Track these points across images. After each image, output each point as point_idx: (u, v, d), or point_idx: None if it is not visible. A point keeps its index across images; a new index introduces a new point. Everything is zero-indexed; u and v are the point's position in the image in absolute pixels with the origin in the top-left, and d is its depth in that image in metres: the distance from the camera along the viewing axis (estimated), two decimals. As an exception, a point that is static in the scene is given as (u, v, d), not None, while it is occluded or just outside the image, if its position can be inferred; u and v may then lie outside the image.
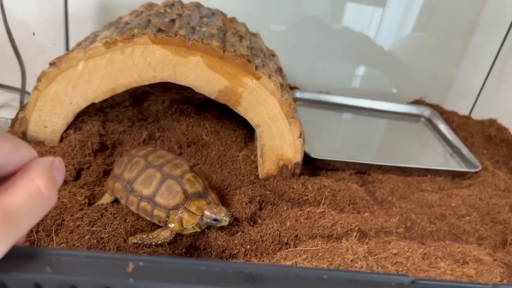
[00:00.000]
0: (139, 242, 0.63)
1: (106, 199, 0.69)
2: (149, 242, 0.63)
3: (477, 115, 1.21)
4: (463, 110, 1.25)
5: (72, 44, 1.08)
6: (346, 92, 1.25)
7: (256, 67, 0.75)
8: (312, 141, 0.97)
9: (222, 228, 0.70)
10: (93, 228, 0.61)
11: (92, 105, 0.78)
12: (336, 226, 0.72)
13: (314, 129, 1.02)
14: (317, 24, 1.24)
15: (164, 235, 0.64)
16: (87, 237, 0.60)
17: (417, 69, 1.33)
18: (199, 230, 0.67)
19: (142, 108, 0.94)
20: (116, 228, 0.63)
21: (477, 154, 1.05)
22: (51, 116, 0.76)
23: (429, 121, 1.16)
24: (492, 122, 1.14)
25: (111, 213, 0.65)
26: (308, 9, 1.21)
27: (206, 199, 0.67)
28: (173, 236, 0.65)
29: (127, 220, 0.65)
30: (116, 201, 0.69)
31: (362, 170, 0.93)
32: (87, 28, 1.09)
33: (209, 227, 0.69)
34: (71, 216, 0.63)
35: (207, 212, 0.66)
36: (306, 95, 1.15)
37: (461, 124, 1.14)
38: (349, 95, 1.18)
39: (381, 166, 0.92)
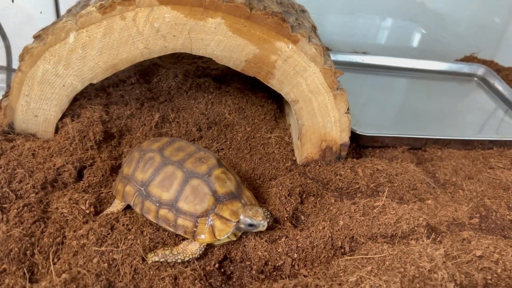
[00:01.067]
0: (161, 259, 0.50)
1: (117, 206, 0.55)
2: (173, 260, 0.50)
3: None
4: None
5: (63, 12, 0.91)
6: (383, 51, 1.09)
7: (292, 28, 0.59)
8: (355, 114, 0.81)
9: (261, 233, 0.56)
10: (102, 248, 0.48)
11: (91, 84, 0.63)
12: (401, 222, 0.58)
13: (354, 98, 0.86)
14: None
15: (192, 249, 0.51)
16: (95, 260, 0.47)
17: (459, 21, 1.15)
18: (234, 239, 0.54)
19: (151, 85, 0.79)
20: (131, 244, 0.50)
21: (546, 117, 0.89)
22: (42, 102, 0.62)
23: (483, 80, 1.00)
24: (560, 78, 0.97)
25: (123, 225, 0.52)
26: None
27: (241, 200, 0.54)
28: (203, 250, 0.52)
29: (145, 233, 0.52)
30: (128, 207, 0.55)
31: (416, 146, 0.79)
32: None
33: (246, 232, 0.55)
34: (74, 232, 0.50)
35: (241, 217, 0.52)
36: (340, 57, 0.98)
37: (523, 82, 0.97)
38: (388, 55, 1.01)
39: (438, 140, 0.78)
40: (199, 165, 0.53)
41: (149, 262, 0.49)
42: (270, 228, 0.57)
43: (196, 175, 0.52)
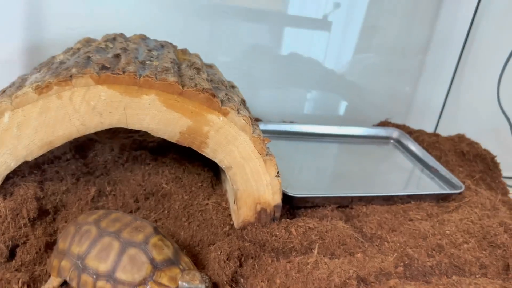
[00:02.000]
0: None
1: (52, 282, 0.54)
2: None
3: (443, 132, 1.18)
4: (428, 128, 1.21)
5: (-4, 92, 0.92)
6: (307, 119, 1.18)
7: (222, 102, 0.65)
8: (286, 177, 0.87)
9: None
10: (36, 328, 0.47)
11: (25, 162, 0.63)
12: (333, 276, 0.62)
13: (284, 163, 0.93)
14: (266, 52, 1.18)
15: None
16: None
17: (373, 91, 1.30)
18: None
19: (87, 160, 0.80)
20: (68, 322, 0.48)
21: (454, 172, 1.00)
22: (-28, 182, 0.61)
23: (398, 142, 1.11)
24: (461, 138, 1.11)
25: (59, 301, 0.51)
26: (254, 37, 1.14)
27: (179, 266, 0.55)
28: None
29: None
30: (65, 283, 0.54)
31: (343, 204, 0.85)
32: (14, 73, 0.94)
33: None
34: (5, 313, 0.48)
35: (179, 282, 0.53)
36: (271, 127, 1.06)
37: (431, 142, 1.09)
38: (310, 122, 1.11)
39: (362, 197, 0.84)
40: (135, 234, 0.54)
41: None
42: (209, 292, 0.59)
43: (133, 244, 0.53)
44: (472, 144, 1.07)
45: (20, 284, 0.52)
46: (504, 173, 1.08)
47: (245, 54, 1.15)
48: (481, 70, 1.21)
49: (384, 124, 1.20)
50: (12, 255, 0.59)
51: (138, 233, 0.54)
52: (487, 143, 1.09)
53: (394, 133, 1.12)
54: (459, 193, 0.89)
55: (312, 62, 1.23)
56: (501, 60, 1.11)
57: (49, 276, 0.55)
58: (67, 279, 0.52)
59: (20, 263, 0.57)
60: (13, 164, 0.62)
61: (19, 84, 0.66)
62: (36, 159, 0.69)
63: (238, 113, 0.65)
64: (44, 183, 0.70)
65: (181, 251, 0.59)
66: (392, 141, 1.12)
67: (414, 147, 1.06)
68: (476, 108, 1.24)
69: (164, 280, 0.52)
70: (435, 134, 1.15)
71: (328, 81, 1.25)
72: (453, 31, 1.21)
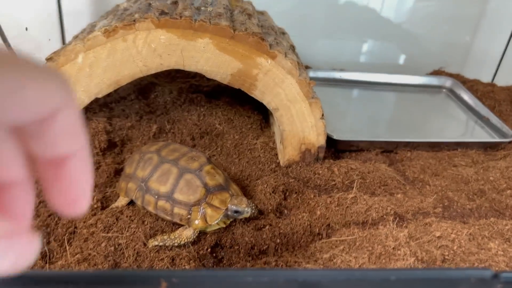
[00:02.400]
0: (160, 244, 0.57)
1: (121, 201, 0.63)
2: (171, 244, 0.58)
3: (501, 82, 1.14)
4: (485, 78, 1.18)
5: (68, 39, 1.01)
6: (360, 68, 1.19)
7: (270, 46, 0.69)
8: (332, 122, 0.91)
9: (248, 223, 0.64)
10: (109, 234, 0.56)
11: (96, 100, 0.72)
12: (371, 211, 0.66)
13: (332, 109, 0.96)
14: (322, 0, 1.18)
15: (187, 234, 0.59)
16: (103, 244, 0.55)
17: (430, 40, 1.26)
18: (224, 226, 0.62)
19: (149, 101, 0.88)
20: (134, 232, 0.57)
21: (507, 122, 0.98)
22: (53, 115, 0.70)
23: (451, 91, 1.09)
24: (519, 88, 1.07)
25: (127, 216, 0.59)
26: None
27: (229, 191, 0.62)
28: (196, 234, 0.59)
29: (145, 222, 0.59)
30: (131, 202, 0.63)
31: (388, 149, 0.87)
32: (83, 22, 1.03)
33: (234, 222, 0.63)
34: (84, 222, 0.58)
35: (228, 205, 0.60)
36: (320, 74, 1.08)
37: (486, 92, 1.07)
38: (362, 71, 1.11)
39: (408, 143, 0.86)
40: (191, 162, 0.61)
41: (150, 246, 0.57)
42: (255, 218, 0.65)
43: (189, 170, 0.60)
44: (530, 94, 1.04)
45: (94, 200, 0.61)
46: None
47: (298, 1, 1.15)
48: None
49: (437, 73, 1.18)
50: (87, 178, 0.68)
51: (194, 162, 0.61)
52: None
53: (447, 82, 1.10)
54: (509, 142, 0.89)
55: (369, 10, 1.21)
56: None
57: (118, 196, 0.64)
58: (133, 198, 0.61)
59: (94, 184, 0.66)
60: (86, 100, 0.70)
61: (89, 29, 0.73)
62: (104, 98, 0.77)
63: (286, 56, 0.69)
64: (112, 119, 0.79)
65: (230, 180, 0.65)
66: (444, 90, 1.11)
67: (466, 96, 1.04)
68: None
69: (216, 202, 0.59)
70: (490, 84, 1.12)
71: (384, 30, 1.24)
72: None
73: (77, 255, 0.53)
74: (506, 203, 0.73)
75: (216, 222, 0.59)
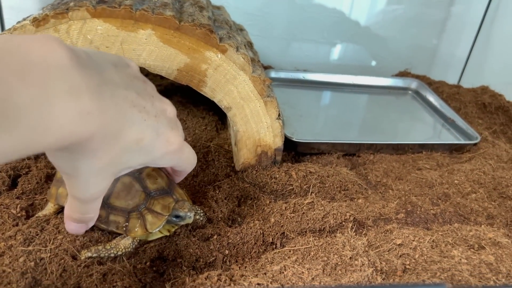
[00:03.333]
0: (94, 255, 0.51)
1: (50, 209, 0.56)
2: (107, 255, 0.51)
3: (466, 84, 1.13)
4: (451, 80, 1.16)
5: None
6: (324, 69, 1.15)
7: (221, 39, 0.63)
8: (293, 124, 0.86)
9: (194, 232, 0.58)
10: (30, 248, 0.49)
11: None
12: (328, 217, 0.62)
13: (293, 110, 0.91)
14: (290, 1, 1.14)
15: (125, 243, 0.52)
16: (21, 259, 0.48)
17: (397, 42, 1.24)
18: (167, 234, 0.56)
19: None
20: (60, 244, 0.50)
21: (473, 124, 0.96)
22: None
23: (417, 93, 1.07)
24: (484, 89, 1.05)
25: (54, 226, 0.53)
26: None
27: (172, 196, 0.56)
28: (136, 244, 0.53)
29: (74, 235, 0.52)
30: (62, 211, 0.56)
31: (350, 152, 0.83)
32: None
33: (180, 231, 0.57)
34: (2, 234, 0.51)
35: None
36: (282, 74, 1.03)
37: (451, 94, 1.05)
38: (327, 72, 1.07)
39: (371, 145, 0.82)
40: None
41: (82, 258, 0.50)
42: (202, 227, 0.60)
43: (127, 173, 0.54)
44: (495, 96, 1.02)
45: (18, 209, 0.54)
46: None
47: (265, 1, 1.11)
48: (510, 21, 1.12)
49: (403, 74, 1.15)
50: (14, 184, 0.61)
51: None
52: (513, 96, 1.04)
53: (413, 84, 1.08)
54: (474, 144, 0.86)
55: (337, 12, 1.18)
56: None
57: (47, 203, 0.57)
58: (64, 204, 0.54)
59: (21, 191, 0.59)
60: (15, 98, 0.63)
61: (23, 20, 0.66)
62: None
63: (237, 51, 0.64)
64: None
65: (176, 184, 0.59)
66: (410, 91, 1.08)
67: (432, 98, 1.02)
68: (504, 60, 1.16)
69: (157, 208, 0.53)
70: (456, 86, 1.09)
71: (352, 32, 1.21)
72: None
73: (-12, 273, 0.45)
74: (471, 208, 0.70)
75: (157, 229, 0.53)
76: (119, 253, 0.52)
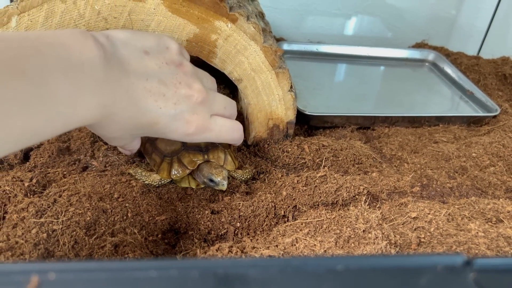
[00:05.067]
0: (133, 174, 0.60)
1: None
2: (140, 178, 0.60)
3: (486, 55, 1.09)
4: (470, 51, 1.12)
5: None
6: (338, 40, 1.12)
7: (231, 8, 0.61)
8: (306, 97, 0.84)
9: (204, 204, 0.58)
10: (42, 219, 0.49)
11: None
12: (341, 190, 0.60)
13: (306, 83, 0.89)
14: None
15: (154, 178, 0.60)
16: (34, 231, 0.48)
17: (414, 12, 1.19)
18: (194, 187, 0.61)
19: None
20: (72, 216, 0.50)
21: (492, 96, 0.92)
22: (-12, 88, 0.62)
23: (434, 65, 1.03)
24: (505, 60, 1.01)
25: (65, 199, 0.52)
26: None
27: (204, 155, 0.60)
28: (163, 182, 0.60)
29: (86, 205, 0.52)
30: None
31: (365, 125, 0.81)
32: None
33: (192, 204, 0.57)
34: (15, 206, 0.51)
35: (205, 170, 0.59)
36: (295, 47, 1.01)
37: (470, 65, 1.01)
38: (342, 43, 1.04)
39: (386, 118, 0.80)
40: None
41: (127, 172, 0.60)
42: (214, 201, 0.59)
43: None
44: (516, 67, 0.98)
45: (34, 181, 0.54)
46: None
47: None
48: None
49: (420, 46, 1.12)
50: (26, 158, 0.61)
51: None
52: (535, 68, 0.99)
53: (430, 55, 1.04)
54: (494, 117, 0.83)
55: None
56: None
57: (60, 179, 0.57)
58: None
59: (33, 165, 0.59)
60: (24, 71, 0.62)
61: (29, -9, 0.65)
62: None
63: (248, 20, 0.62)
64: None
65: (223, 149, 0.63)
66: (427, 63, 1.05)
67: (450, 69, 0.98)
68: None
69: (185, 161, 0.59)
70: (475, 57, 1.05)
71: (368, 3, 1.16)
72: None
73: (1, 243, 0.46)
74: (489, 181, 0.68)
75: (178, 177, 0.59)
76: (147, 182, 0.59)
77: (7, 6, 0.58)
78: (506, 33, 1.14)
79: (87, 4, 0.58)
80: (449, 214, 0.57)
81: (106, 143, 0.66)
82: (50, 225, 0.49)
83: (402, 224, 0.56)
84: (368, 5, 1.16)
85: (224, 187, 0.59)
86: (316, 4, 1.13)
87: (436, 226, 0.55)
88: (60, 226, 0.49)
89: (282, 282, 0.23)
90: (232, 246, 0.49)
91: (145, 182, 0.60)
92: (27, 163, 0.60)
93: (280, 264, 0.24)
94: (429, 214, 0.57)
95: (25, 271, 0.21)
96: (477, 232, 0.54)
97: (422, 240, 0.54)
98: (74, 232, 0.49)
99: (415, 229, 0.55)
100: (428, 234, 0.54)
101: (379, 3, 1.16)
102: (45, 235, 0.48)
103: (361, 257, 0.25)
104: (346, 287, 0.23)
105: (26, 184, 0.54)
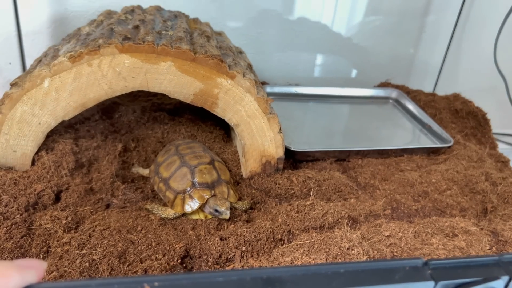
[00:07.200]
0: (150, 209, 0.71)
1: (144, 171, 0.81)
2: (157, 213, 0.70)
3: (441, 91, 1.25)
4: (427, 88, 1.28)
5: (28, 61, 1.02)
6: (313, 82, 1.26)
7: (229, 67, 0.74)
8: (290, 134, 0.97)
9: (214, 232, 0.69)
10: (83, 251, 0.59)
11: (61, 123, 0.74)
12: (327, 216, 0.72)
13: (289, 122, 1.02)
14: (275, 17, 1.24)
15: (169, 212, 0.70)
16: (78, 261, 0.58)
17: (377, 53, 1.35)
18: (203, 218, 0.71)
19: (113, 120, 0.91)
20: (107, 247, 0.60)
21: (447, 128, 1.08)
22: (20, 139, 0.72)
23: (397, 102, 1.19)
24: (456, 97, 1.18)
25: (99, 233, 0.62)
26: (262, 2, 1.20)
27: (211, 190, 0.71)
28: (176, 216, 0.71)
29: (116, 238, 0.62)
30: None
31: (341, 157, 0.94)
32: (42, 43, 1.05)
33: (203, 233, 0.68)
34: (57, 241, 0.60)
35: (211, 202, 0.70)
36: (276, 89, 1.14)
37: (428, 101, 1.17)
38: (316, 85, 1.19)
39: (359, 151, 0.94)
40: (193, 159, 0.74)
41: (144, 207, 0.71)
42: (220, 229, 0.70)
43: (187, 165, 0.73)
44: (466, 102, 1.15)
45: (69, 219, 0.64)
46: (501, 129, 1.16)
47: (253, 20, 1.21)
48: (479, 31, 1.26)
49: (384, 85, 1.27)
50: (57, 199, 0.70)
51: (195, 159, 0.75)
52: (483, 102, 1.17)
53: (393, 93, 1.20)
54: (449, 147, 0.98)
55: (320, 26, 1.28)
56: (498, 21, 1.16)
57: (88, 216, 0.67)
58: (150, 177, 0.78)
59: (65, 204, 0.69)
60: (53, 123, 0.72)
61: (53, 54, 0.76)
62: (69, 120, 0.80)
63: (244, 76, 0.74)
64: (78, 140, 0.81)
65: (226, 184, 0.74)
66: (391, 100, 1.20)
67: (411, 105, 1.14)
68: (474, 68, 1.30)
69: (195, 196, 0.70)
70: (431, 94, 1.22)
71: (335, 45, 1.31)
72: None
73: (53, 273, 0.55)
74: (447, 203, 0.81)
75: (190, 211, 0.70)
76: (164, 216, 0.70)
77: (41, 69, 0.69)
78: (456, 71, 1.32)
79: (110, 67, 0.70)
80: (415, 232, 0.70)
81: (123, 182, 0.76)
82: (90, 255, 0.59)
83: (378, 242, 0.68)
84: (338, 48, 1.32)
85: (227, 216, 0.70)
86: (293, 50, 1.28)
87: (405, 242, 0.68)
88: (98, 256, 0.59)
89: (305, 281, 0.34)
90: (243, 266, 0.60)
91: (162, 215, 0.70)
92: (59, 203, 0.69)
93: (302, 269, 0.35)
94: (399, 232, 0.70)
95: (139, 282, 0.32)
96: (438, 245, 0.67)
97: (395, 254, 0.66)
98: (110, 261, 0.59)
99: (388, 245, 0.67)
100: (400, 248, 0.67)
101: (348, 46, 1.31)
102: (87, 264, 0.58)
103: (355, 263, 0.37)
104: (348, 283, 0.35)
105: (63, 221, 0.64)
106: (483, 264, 0.39)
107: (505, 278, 0.37)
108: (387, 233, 0.70)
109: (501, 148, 1.09)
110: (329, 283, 0.34)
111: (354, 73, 1.37)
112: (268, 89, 1.13)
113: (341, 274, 0.35)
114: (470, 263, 0.38)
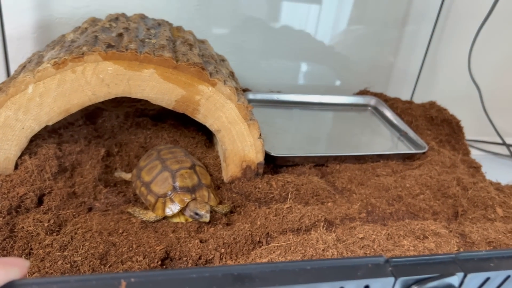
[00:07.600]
0: (131, 212, 0.73)
1: (126, 176, 0.83)
2: (138, 216, 0.72)
3: (418, 99, 1.30)
4: (405, 96, 1.33)
5: (12, 66, 1.03)
6: (295, 89, 1.29)
7: (211, 74, 0.76)
8: (271, 140, 1.00)
9: (194, 235, 0.71)
10: (65, 253, 0.60)
11: (45, 127, 0.75)
12: (304, 219, 0.75)
13: (270, 128, 1.05)
14: (259, 25, 1.27)
15: (150, 215, 0.72)
16: (59, 262, 0.59)
17: (359, 61, 1.39)
18: (184, 221, 0.73)
19: (96, 125, 0.93)
20: (88, 249, 0.62)
21: (422, 135, 1.12)
22: (3, 143, 0.73)
23: (375, 109, 1.23)
24: (432, 105, 1.22)
25: (81, 235, 0.64)
26: (247, 10, 1.23)
27: (192, 194, 0.73)
28: (157, 219, 0.72)
29: (98, 240, 0.64)
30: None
31: (320, 163, 0.97)
32: (27, 49, 1.06)
33: (183, 235, 0.70)
34: (39, 243, 0.62)
35: (191, 205, 0.72)
36: (259, 96, 1.17)
37: (404, 109, 1.21)
38: (298, 92, 1.22)
39: (337, 156, 0.97)
40: (174, 164, 0.76)
41: (125, 211, 0.73)
42: (200, 232, 0.72)
43: (168, 170, 0.75)
44: (441, 110, 1.19)
45: (51, 222, 0.65)
46: (474, 136, 1.20)
47: (238, 28, 1.24)
48: (454, 41, 1.31)
49: (363, 92, 1.31)
50: (40, 202, 0.72)
51: (176, 164, 0.77)
52: (458, 110, 1.21)
53: (372, 101, 1.24)
54: (423, 153, 1.02)
55: (303, 35, 1.31)
56: (472, 32, 1.20)
57: (71, 219, 0.68)
58: (132, 181, 0.80)
59: (47, 208, 0.70)
60: (36, 128, 0.74)
61: (38, 60, 0.77)
62: (53, 125, 0.81)
63: (225, 83, 0.77)
64: (62, 145, 0.82)
65: (206, 188, 0.76)
66: (370, 108, 1.24)
67: (388, 113, 1.18)
68: (449, 77, 1.35)
69: (176, 199, 0.72)
70: (408, 102, 1.26)
71: (318, 53, 1.35)
72: (429, 2, 1.30)
73: (35, 274, 0.56)
74: (419, 206, 0.85)
75: (170, 214, 0.72)
76: (145, 219, 0.72)
77: (25, 75, 0.70)
78: (432, 80, 1.37)
79: (93, 74, 0.72)
80: (388, 234, 0.73)
81: (106, 186, 0.78)
82: (72, 257, 0.60)
83: (352, 243, 0.71)
84: (320, 57, 1.35)
85: (207, 219, 0.72)
86: (275, 57, 1.31)
87: (378, 244, 0.71)
88: (80, 257, 0.60)
89: (274, 278, 0.37)
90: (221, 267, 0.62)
91: (143, 219, 0.72)
92: (42, 206, 0.70)
93: (270, 266, 0.38)
94: (372, 234, 0.73)
95: (116, 278, 0.34)
96: (409, 247, 0.70)
97: (368, 255, 0.69)
98: (91, 262, 0.61)
99: (362, 247, 0.70)
100: (372, 250, 0.70)
101: (330, 55, 1.35)
102: (68, 265, 0.59)
103: (321, 260, 0.39)
104: (313, 279, 0.37)
105: (46, 224, 0.65)
106: (441, 261, 0.42)
107: (460, 275, 0.40)
108: (361, 235, 0.72)
109: (474, 154, 1.13)
110: (296, 279, 0.36)
111: (336, 81, 1.41)
112: (251, 96, 1.16)
113: (308, 270, 0.37)
114: (428, 260, 0.41)
